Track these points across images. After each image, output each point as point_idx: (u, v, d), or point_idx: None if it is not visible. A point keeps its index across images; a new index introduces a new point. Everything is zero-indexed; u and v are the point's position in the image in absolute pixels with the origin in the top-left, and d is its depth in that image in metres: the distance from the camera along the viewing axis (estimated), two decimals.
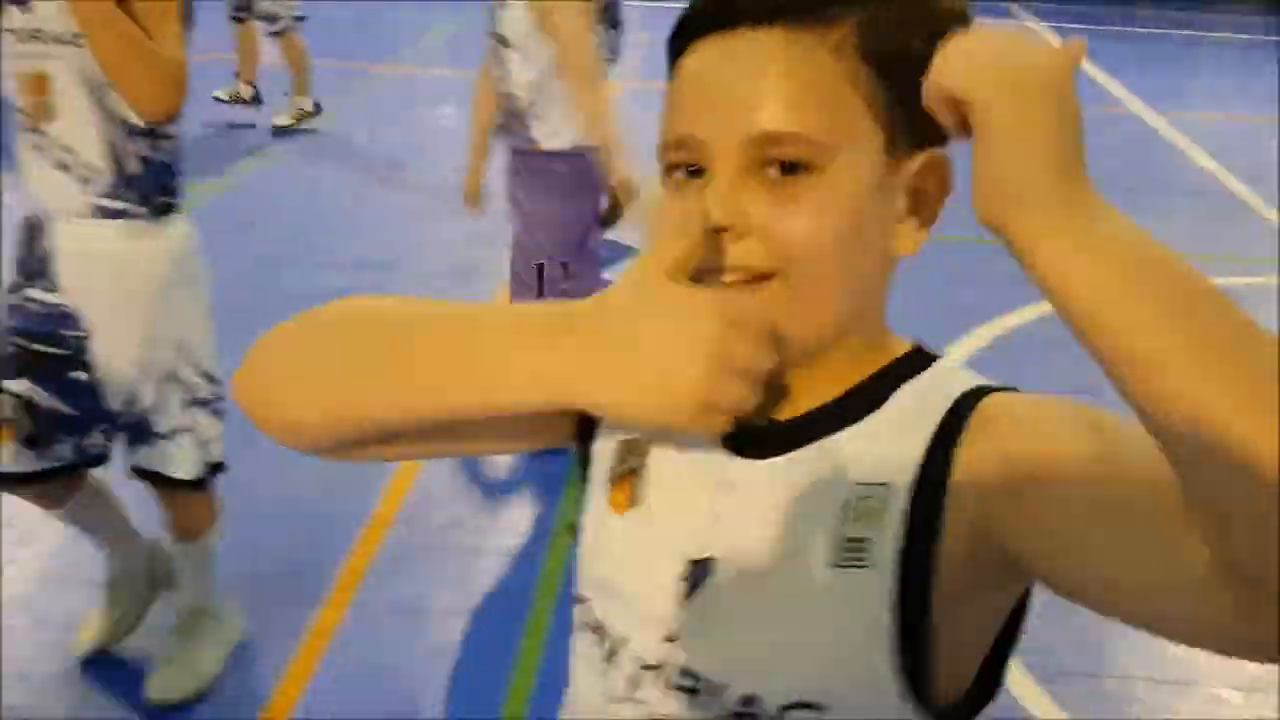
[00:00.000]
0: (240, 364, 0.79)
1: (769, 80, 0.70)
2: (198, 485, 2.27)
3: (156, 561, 2.46)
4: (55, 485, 2.24)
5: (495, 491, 3.28)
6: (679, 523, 0.77)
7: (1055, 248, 0.56)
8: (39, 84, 2.04)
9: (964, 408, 0.73)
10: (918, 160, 0.72)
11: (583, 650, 0.82)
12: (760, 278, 0.71)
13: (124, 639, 2.45)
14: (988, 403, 0.73)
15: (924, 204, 0.74)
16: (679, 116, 0.74)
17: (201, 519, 2.36)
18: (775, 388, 0.74)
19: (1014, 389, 0.75)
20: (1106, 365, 0.56)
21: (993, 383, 0.76)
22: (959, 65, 0.59)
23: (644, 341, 0.66)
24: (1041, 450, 0.68)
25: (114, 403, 2.16)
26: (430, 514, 3.10)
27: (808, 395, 0.76)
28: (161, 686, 2.33)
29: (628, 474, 0.80)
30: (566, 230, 3.16)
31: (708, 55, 0.73)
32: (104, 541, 2.41)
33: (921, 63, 0.61)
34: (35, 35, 2.01)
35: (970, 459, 0.71)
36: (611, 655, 0.79)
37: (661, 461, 0.79)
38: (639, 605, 0.78)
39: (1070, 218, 0.56)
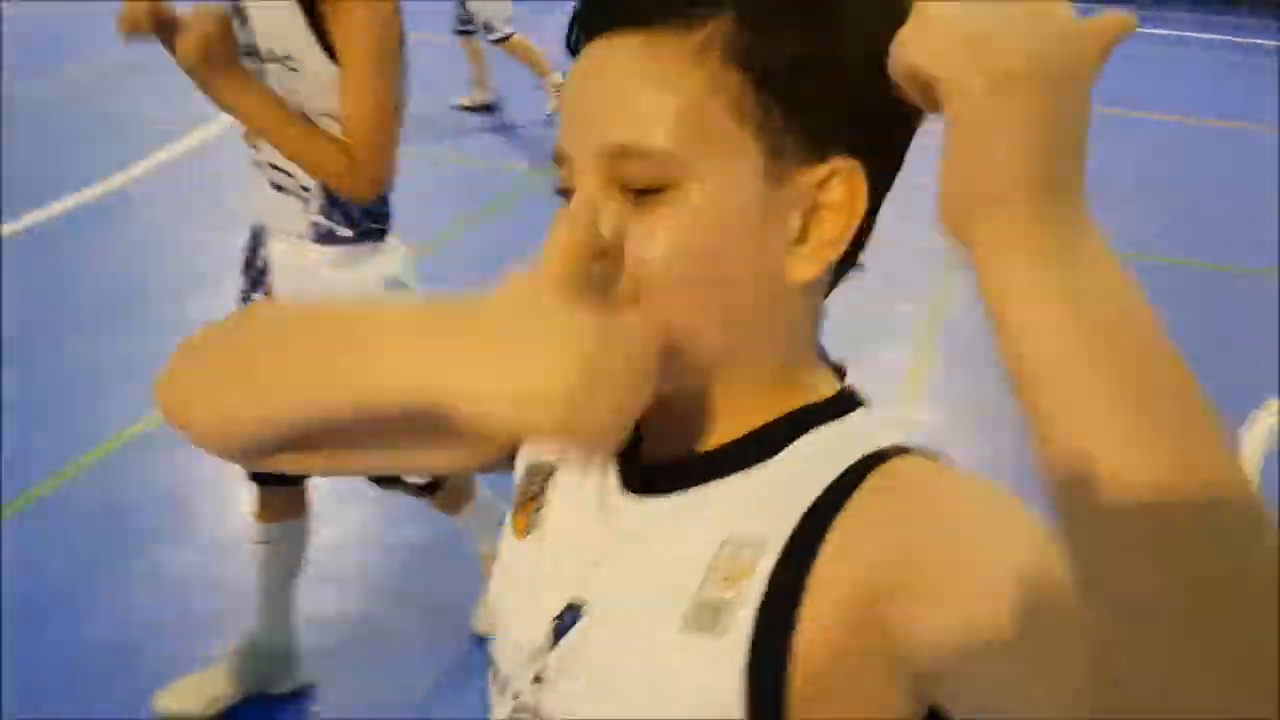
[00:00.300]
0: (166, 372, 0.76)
1: (619, 90, 0.63)
2: (428, 489, 2.33)
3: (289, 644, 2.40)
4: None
5: None
6: (566, 557, 0.72)
7: (1017, 276, 0.47)
8: None
9: (864, 470, 0.63)
10: (817, 173, 0.63)
11: (489, 681, 0.77)
12: (621, 301, 0.63)
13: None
14: (893, 469, 0.63)
15: (825, 223, 0.64)
16: (559, 131, 0.68)
17: (456, 501, 2.41)
18: (674, 419, 0.68)
19: (938, 456, 0.65)
20: (1025, 399, 0.47)
21: (915, 445, 0.66)
22: (928, 36, 0.48)
23: (514, 335, 0.57)
24: (944, 547, 0.57)
25: None
26: None
27: (708, 433, 0.68)
28: (174, 695, 2.29)
29: (529, 499, 0.76)
30: None
31: (578, 64, 0.66)
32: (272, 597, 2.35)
33: (820, 62, 0.57)
34: (250, 53, 1.94)
35: (849, 533, 0.61)
36: (501, 689, 0.74)
37: (563, 489, 0.74)
38: (521, 640, 0.72)
39: (1044, 238, 0.46)
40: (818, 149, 0.63)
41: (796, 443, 0.66)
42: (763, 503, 0.64)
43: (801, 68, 0.58)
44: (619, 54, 0.63)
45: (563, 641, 0.70)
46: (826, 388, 0.70)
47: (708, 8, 0.62)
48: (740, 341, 0.66)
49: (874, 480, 0.62)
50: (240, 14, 1.94)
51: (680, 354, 0.63)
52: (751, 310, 0.65)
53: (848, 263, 0.68)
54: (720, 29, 0.62)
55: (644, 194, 0.62)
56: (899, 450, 0.65)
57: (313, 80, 1.91)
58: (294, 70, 1.91)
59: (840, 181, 0.63)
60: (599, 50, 0.64)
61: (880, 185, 0.65)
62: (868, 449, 0.65)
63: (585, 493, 0.72)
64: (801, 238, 0.64)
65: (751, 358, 0.67)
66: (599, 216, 0.63)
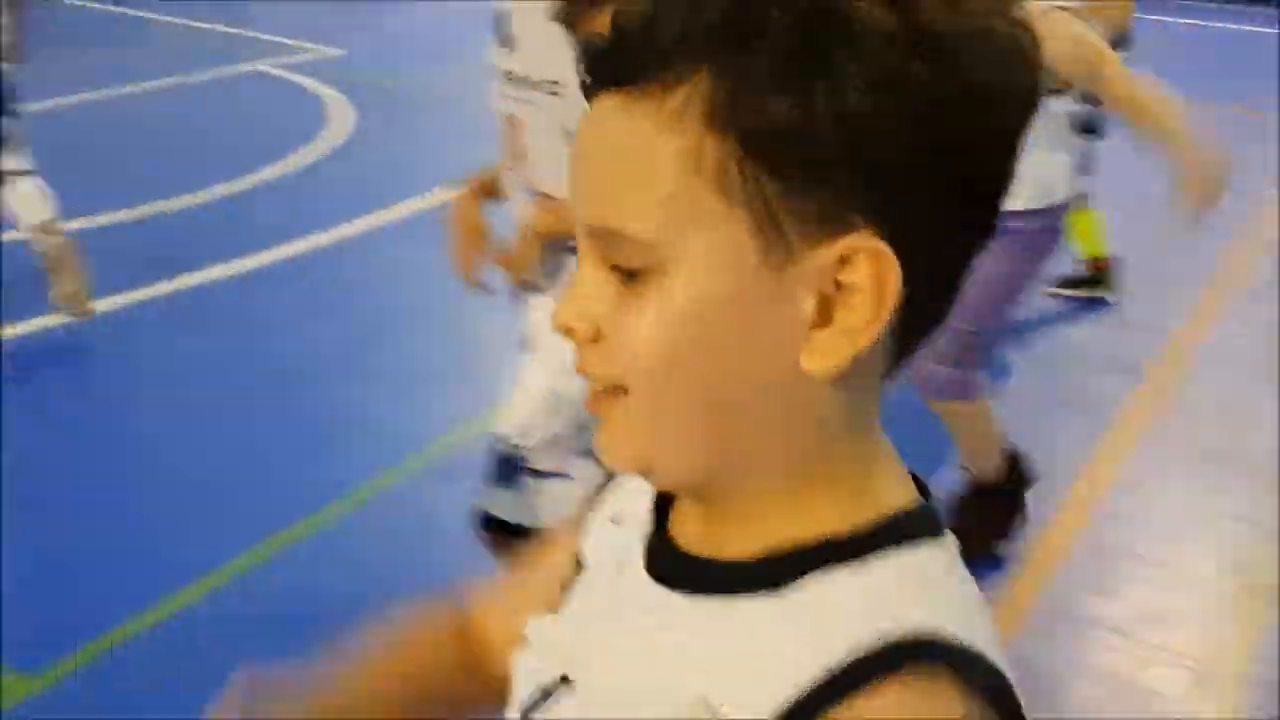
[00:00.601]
0: None
1: (600, 164, 0.57)
2: None
3: None
4: None
5: None
6: (569, 623, 0.69)
7: None
8: (515, 127, 2.04)
9: (886, 661, 0.53)
10: (829, 251, 0.54)
11: None
12: (616, 389, 0.58)
13: None
14: (912, 676, 0.53)
15: (848, 307, 0.55)
16: None
17: None
18: (700, 510, 0.62)
19: (979, 658, 0.55)
20: None
21: (959, 640, 0.54)
22: None
23: None
24: None
25: None
26: None
27: (733, 536, 0.60)
28: None
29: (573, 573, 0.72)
30: (1000, 293, 2.75)
31: (580, 123, 0.60)
32: None
33: (816, 122, 0.50)
34: (517, 79, 1.99)
35: None
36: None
37: (593, 540, 0.72)
38: (519, 688, 0.70)
39: None
40: (827, 224, 0.53)
41: (811, 580, 0.57)
42: (761, 655, 0.56)
43: (790, 130, 0.51)
44: (605, 117, 0.56)
45: (547, 708, 0.66)
46: (889, 497, 0.59)
47: (684, 64, 0.53)
48: (746, 441, 0.58)
49: (877, 702, 0.52)
50: (509, 41, 1.98)
51: (671, 451, 0.59)
52: (754, 406, 0.57)
53: (915, 338, 0.58)
54: (698, 89, 0.53)
55: (633, 275, 0.56)
56: (931, 647, 0.54)
57: (577, 105, 1.88)
58: (558, 95, 1.93)
59: (865, 259, 0.54)
60: (594, 109, 0.58)
61: (935, 257, 0.56)
62: (893, 629, 0.54)
63: (609, 553, 0.68)
64: (821, 321, 0.55)
65: (765, 459, 0.59)
66: (592, 297, 0.58)
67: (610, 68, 0.56)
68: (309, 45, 8.61)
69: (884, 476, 0.61)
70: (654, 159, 0.54)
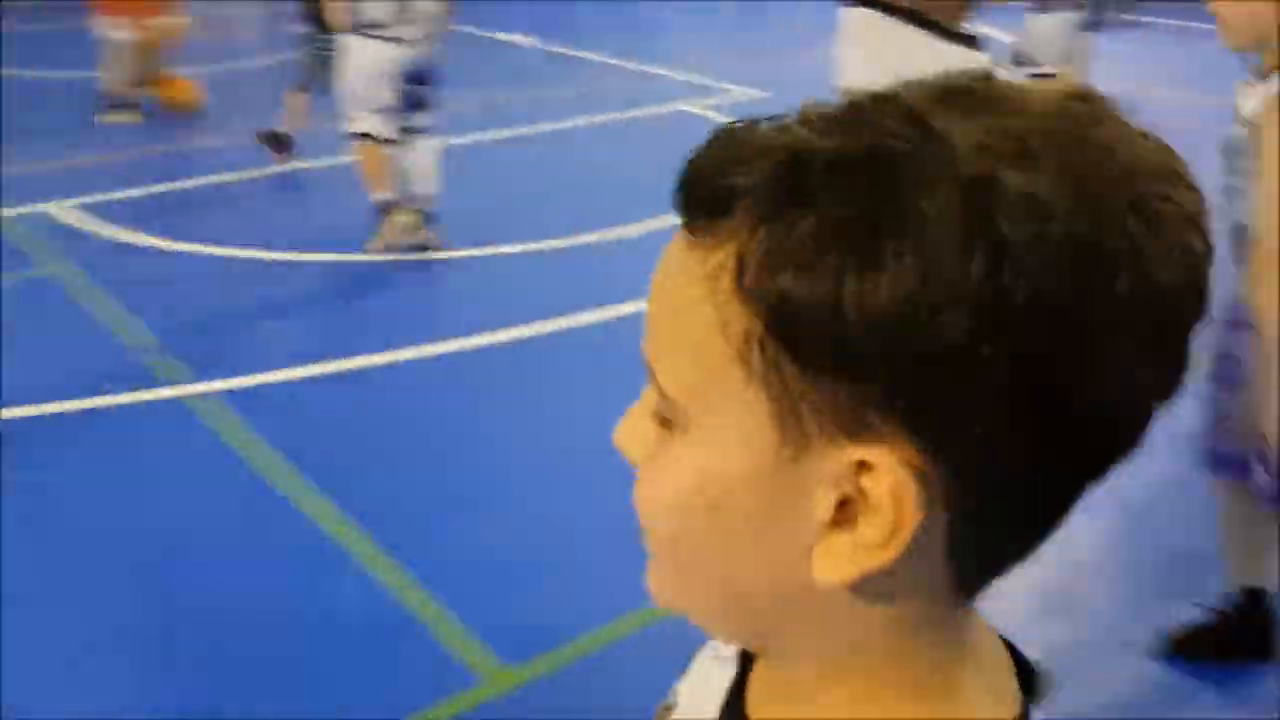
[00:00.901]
0: None
1: (654, 297, 0.52)
2: None
3: None
4: None
5: None
6: None
7: None
8: None
9: None
10: (846, 454, 0.47)
11: None
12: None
13: None
14: None
15: (868, 518, 0.48)
16: None
17: None
18: (766, 672, 0.60)
19: None
20: None
21: None
22: None
23: None
24: None
25: None
26: None
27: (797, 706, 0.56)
28: None
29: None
30: None
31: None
32: None
33: (847, 309, 0.44)
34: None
35: None
36: None
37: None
38: None
39: None
40: (846, 423, 0.47)
41: None
42: None
43: (814, 314, 0.45)
44: (671, 254, 0.52)
45: None
46: (972, 710, 0.53)
47: (732, 219, 0.47)
48: (773, 635, 0.54)
49: None
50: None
51: (704, 618, 0.55)
52: (771, 606, 0.52)
53: (991, 563, 0.51)
54: (737, 249, 0.47)
55: (665, 423, 0.52)
56: None
57: None
58: None
59: (886, 472, 0.47)
60: (670, 243, 0.53)
61: (996, 486, 0.47)
62: None
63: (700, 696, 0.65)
64: (843, 523, 0.49)
65: (798, 655, 0.54)
66: (639, 428, 0.55)
67: (680, 199, 0.50)
68: (732, 87, 8.86)
69: (971, 689, 0.53)
70: (692, 311, 0.49)
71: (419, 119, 5.37)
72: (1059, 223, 0.44)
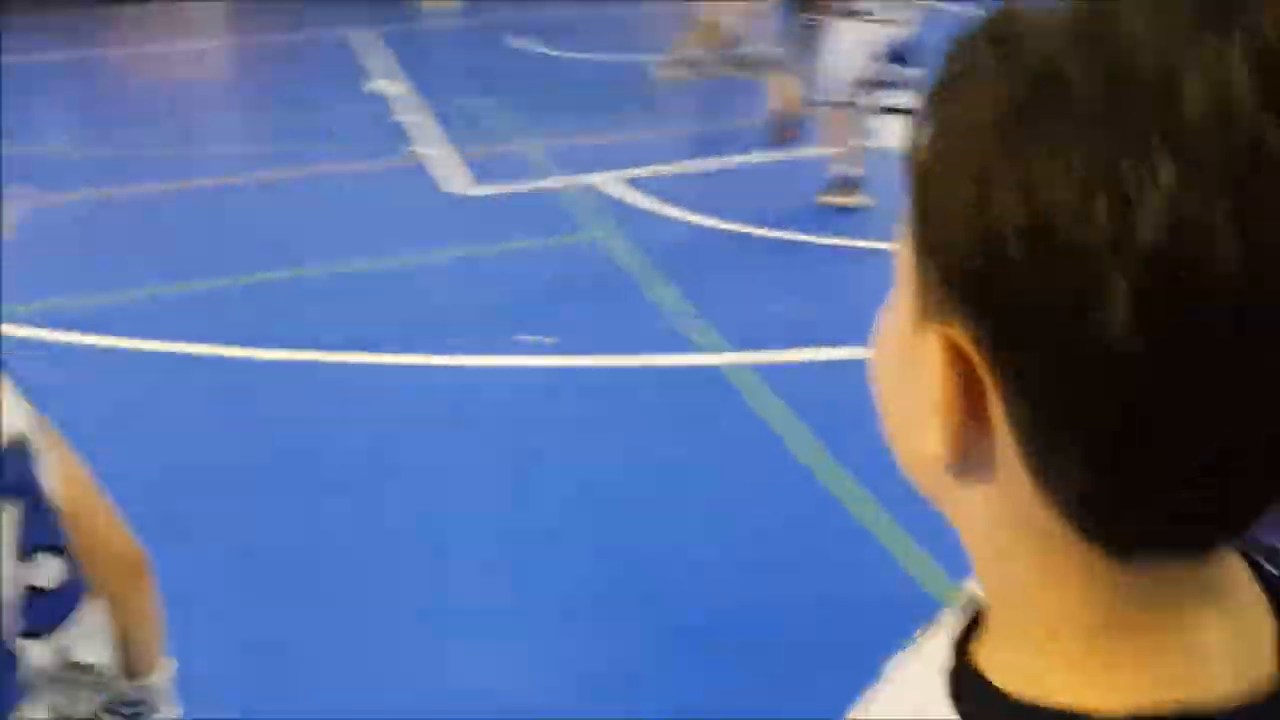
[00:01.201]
0: None
1: None
2: None
3: None
4: None
5: None
6: None
7: None
8: None
9: None
10: (936, 337, 0.51)
11: None
12: None
13: None
14: None
15: (951, 404, 0.51)
16: None
17: None
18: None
19: None
20: None
21: None
22: None
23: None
24: None
25: None
26: None
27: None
28: None
29: None
30: None
31: None
32: None
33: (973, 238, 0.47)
34: None
35: None
36: None
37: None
38: None
39: None
40: (940, 309, 0.51)
41: None
42: None
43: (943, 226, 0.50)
44: None
45: None
46: (1063, 695, 0.50)
47: None
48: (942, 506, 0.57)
49: None
50: None
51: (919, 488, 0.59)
52: (930, 475, 0.56)
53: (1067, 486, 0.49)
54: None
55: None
56: None
57: None
58: None
59: (957, 360, 0.50)
60: None
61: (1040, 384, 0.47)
62: None
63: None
64: (935, 408, 0.52)
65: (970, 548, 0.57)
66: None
67: None
68: None
69: (1150, 662, 0.49)
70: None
71: (897, 99, 5.44)
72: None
